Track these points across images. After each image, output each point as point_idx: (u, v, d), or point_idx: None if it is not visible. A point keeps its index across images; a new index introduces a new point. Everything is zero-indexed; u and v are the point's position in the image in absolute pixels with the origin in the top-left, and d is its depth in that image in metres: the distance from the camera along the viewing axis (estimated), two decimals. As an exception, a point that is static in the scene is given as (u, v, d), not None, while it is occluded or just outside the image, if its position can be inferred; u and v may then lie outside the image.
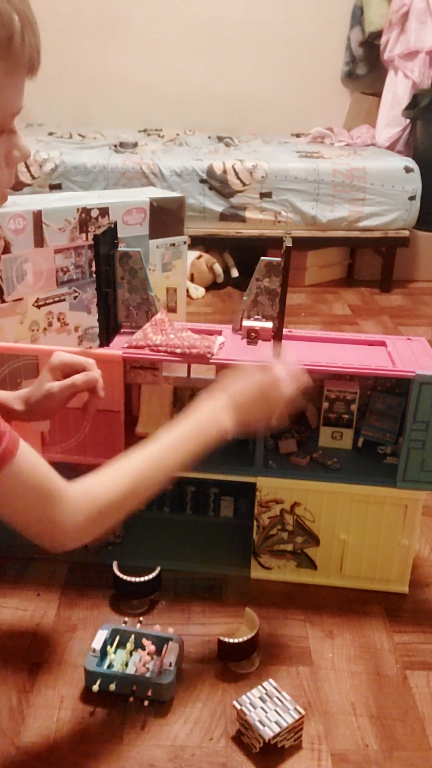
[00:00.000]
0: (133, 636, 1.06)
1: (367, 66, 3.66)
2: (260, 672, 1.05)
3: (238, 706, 0.94)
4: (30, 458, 0.76)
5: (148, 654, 1.03)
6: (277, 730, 0.90)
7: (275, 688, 0.97)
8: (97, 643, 1.02)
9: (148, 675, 1.00)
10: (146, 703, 0.98)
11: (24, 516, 0.78)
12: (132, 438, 1.21)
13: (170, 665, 1.00)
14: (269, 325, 1.19)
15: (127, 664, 1.03)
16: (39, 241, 1.75)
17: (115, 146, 3.10)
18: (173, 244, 2.05)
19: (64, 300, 1.85)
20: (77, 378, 1.00)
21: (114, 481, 0.84)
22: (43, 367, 1.03)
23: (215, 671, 1.05)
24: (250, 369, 0.98)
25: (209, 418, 0.93)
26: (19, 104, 0.69)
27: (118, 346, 1.16)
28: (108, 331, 1.20)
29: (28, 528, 0.79)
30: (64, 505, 0.78)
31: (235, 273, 3.02)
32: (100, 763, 0.90)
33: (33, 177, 2.79)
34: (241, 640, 1.03)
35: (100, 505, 0.81)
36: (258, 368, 0.97)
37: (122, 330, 1.25)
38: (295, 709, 0.94)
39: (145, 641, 1.04)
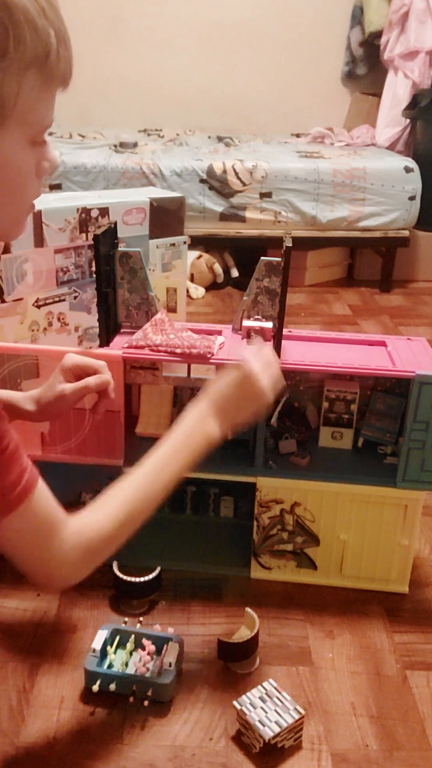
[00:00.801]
0: (133, 636, 1.06)
1: (367, 66, 3.66)
2: (260, 672, 1.05)
3: (238, 706, 0.94)
4: (44, 494, 0.76)
5: (148, 654, 1.03)
6: (277, 730, 0.90)
7: (275, 688, 0.97)
8: (97, 643, 1.02)
9: (148, 675, 1.00)
10: (146, 703, 0.98)
11: (26, 551, 0.77)
12: (132, 438, 1.21)
13: (170, 665, 1.00)
14: (269, 325, 1.19)
15: (127, 664, 1.03)
16: (39, 241, 1.75)
17: (115, 146, 3.10)
18: (173, 244, 2.05)
19: (64, 300, 1.85)
20: (90, 380, 1.02)
21: (109, 514, 0.83)
22: (43, 368, 1.04)
23: (215, 671, 1.05)
24: (225, 370, 0.98)
25: (194, 428, 0.93)
26: (51, 117, 0.69)
27: (118, 346, 1.16)
28: (108, 331, 1.20)
29: (26, 564, 0.78)
30: (63, 543, 0.77)
31: (235, 273, 3.03)
32: (100, 763, 0.90)
33: (33, 177, 2.79)
34: (241, 640, 1.03)
35: (97, 540, 0.81)
36: (232, 367, 0.97)
37: (122, 330, 1.25)
38: (295, 709, 0.94)
39: (145, 641, 1.04)
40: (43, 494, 0.76)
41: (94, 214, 1.84)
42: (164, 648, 1.03)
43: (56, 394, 1.01)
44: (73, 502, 1.22)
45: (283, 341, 1.12)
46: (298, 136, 3.62)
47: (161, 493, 0.88)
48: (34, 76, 0.63)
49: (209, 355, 1.12)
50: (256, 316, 1.22)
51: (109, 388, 1.03)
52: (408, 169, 2.87)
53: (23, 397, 1.04)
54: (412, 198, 2.87)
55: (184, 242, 2.08)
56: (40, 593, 1.18)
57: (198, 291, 2.88)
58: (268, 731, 0.90)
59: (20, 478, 0.72)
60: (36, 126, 0.67)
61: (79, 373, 1.03)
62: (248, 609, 1.09)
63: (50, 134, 3.27)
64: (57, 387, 1.01)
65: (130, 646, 1.05)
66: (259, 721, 0.91)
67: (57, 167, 0.75)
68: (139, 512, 0.86)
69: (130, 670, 1.01)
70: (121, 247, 1.21)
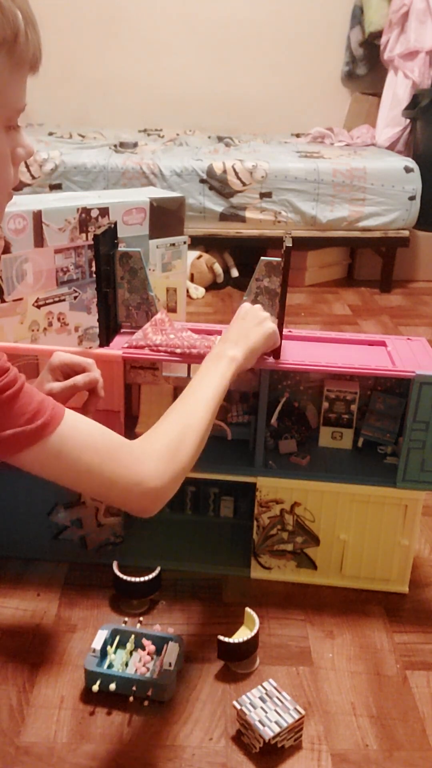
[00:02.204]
0: (133, 636, 1.06)
1: (367, 66, 3.66)
2: (260, 672, 1.05)
3: (238, 706, 0.94)
4: (78, 420, 0.79)
5: (148, 654, 1.03)
6: (277, 730, 0.90)
7: (275, 688, 0.97)
8: (97, 643, 1.02)
9: (148, 675, 1.00)
10: (146, 703, 0.98)
11: (99, 477, 0.79)
12: (132, 438, 1.21)
13: (170, 665, 1.00)
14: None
15: (127, 664, 1.03)
16: (39, 241, 1.75)
17: (115, 146, 3.10)
18: (173, 244, 2.05)
19: (64, 300, 1.85)
20: (78, 378, 1.01)
21: (163, 425, 0.89)
22: (43, 367, 1.03)
23: (215, 671, 1.05)
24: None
25: (214, 354, 1.01)
26: (23, 101, 0.70)
27: (118, 346, 1.16)
28: (108, 331, 1.20)
29: (109, 490, 0.81)
30: (133, 454, 0.82)
31: (235, 273, 3.03)
32: (100, 763, 0.90)
33: (33, 177, 2.79)
34: (241, 640, 1.03)
35: (165, 443, 0.86)
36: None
37: (122, 330, 1.25)
38: (295, 709, 0.94)
39: (145, 641, 1.04)
40: (77, 421, 0.79)
41: (94, 214, 1.84)
42: (164, 648, 1.03)
43: (44, 393, 1.00)
44: (73, 503, 1.23)
45: (283, 341, 1.12)
46: (298, 136, 3.62)
47: (204, 406, 0.92)
48: (4, 58, 0.63)
49: (209, 355, 1.12)
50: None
51: (98, 386, 1.03)
52: (408, 169, 2.87)
53: None
54: (412, 198, 2.87)
55: (184, 242, 2.08)
56: (40, 594, 1.18)
57: (198, 291, 2.88)
58: (268, 731, 0.90)
59: (42, 408, 0.74)
60: (7, 109, 0.67)
61: (67, 371, 1.03)
62: (248, 609, 1.09)
63: (50, 134, 3.30)
64: (45, 386, 1.00)
65: (130, 646, 1.05)
66: (259, 721, 0.91)
67: (32, 154, 0.74)
68: (194, 420, 0.90)
69: (130, 670, 1.01)
70: (121, 247, 1.21)
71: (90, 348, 1.66)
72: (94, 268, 1.22)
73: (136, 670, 1.01)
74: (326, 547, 1.21)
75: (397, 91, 3.30)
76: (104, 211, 1.86)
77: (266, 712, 0.93)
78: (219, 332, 1.22)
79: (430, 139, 3.10)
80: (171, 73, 3.70)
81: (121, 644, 1.06)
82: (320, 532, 1.20)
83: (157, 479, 0.83)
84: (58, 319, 1.86)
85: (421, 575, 1.26)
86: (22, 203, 1.77)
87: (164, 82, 3.70)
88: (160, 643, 1.04)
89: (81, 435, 0.78)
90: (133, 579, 1.14)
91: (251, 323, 1.05)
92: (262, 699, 0.95)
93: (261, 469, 1.17)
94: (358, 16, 3.56)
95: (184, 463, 0.86)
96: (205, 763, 0.91)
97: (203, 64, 3.69)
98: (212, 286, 2.98)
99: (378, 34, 3.42)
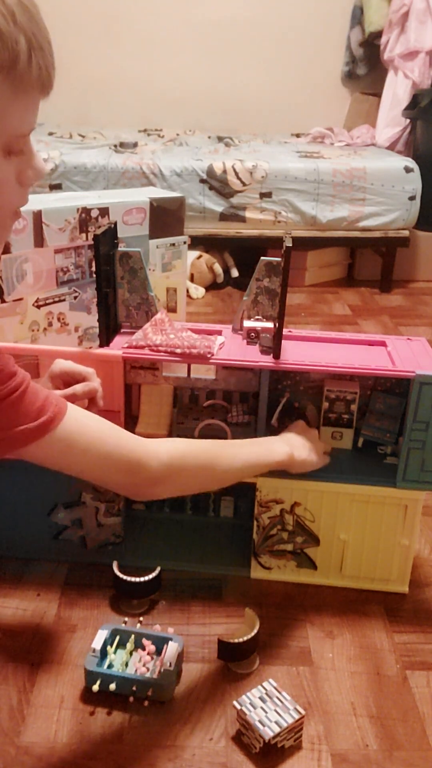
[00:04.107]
0: (133, 636, 1.06)
1: (367, 66, 3.66)
2: (260, 672, 1.05)
3: (238, 706, 0.94)
4: (80, 413, 0.84)
5: (148, 654, 1.03)
6: (277, 730, 0.90)
7: (275, 688, 0.97)
8: (97, 643, 1.02)
9: (148, 675, 1.00)
10: (146, 703, 0.98)
11: (103, 463, 0.85)
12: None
13: (170, 665, 1.00)
14: (269, 325, 1.19)
15: (127, 664, 1.03)
16: (39, 241, 1.75)
17: (115, 146, 3.10)
18: (173, 244, 2.05)
19: (64, 300, 1.85)
20: (77, 388, 1.03)
21: (195, 444, 0.98)
22: (44, 368, 1.04)
23: (215, 671, 1.05)
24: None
25: (262, 440, 1.11)
26: (28, 125, 0.67)
27: (118, 346, 1.16)
28: (108, 331, 1.20)
29: (111, 477, 0.88)
30: (139, 440, 0.88)
31: (235, 273, 3.03)
32: (100, 763, 0.90)
33: (33, 177, 2.79)
34: (241, 640, 1.03)
35: (184, 451, 0.94)
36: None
37: (122, 330, 1.25)
38: (295, 709, 0.94)
39: (145, 641, 1.04)
40: (81, 415, 0.85)
41: (94, 214, 1.84)
42: (164, 648, 1.03)
43: None
44: (73, 503, 1.23)
45: (283, 341, 1.12)
46: (298, 136, 3.62)
47: (231, 463, 1.01)
48: (1, 83, 0.61)
49: (209, 355, 1.12)
50: (256, 316, 1.22)
51: (98, 396, 1.04)
52: (408, 169, 2.88)
53: None
54: (412, 198, 2.87)
55: (184, 242, 2.08)
56: (40, 594, 1.18)
57: (198, 291, 2.88)
58: (268, 731, 0.90)
59: (46, 405, 0.79)
60: (7, 134, 0.65)
61: (67, 379, 1.04)
62: (248, 609, 1.09)
63: (50, 134, 3.30)
64: None
65: (130, 646, 1.05)
66: (259, 721, 0.91)
67: (43, 176, 0.73)
68: (218, 462, 0.99)
69: (130, 670, 1.01)
70: (121, 247, 1.21)
71: (90, 348, 1.66)
72: (94, 268, 1.22)
73: (136, 670, 1.01)
74: (326, 547, 1.21)
75: (397, 91, 3.30)
76: (104, 211, 1.86)
77: (266, 712, 0.93)
78: (219, 332, 1.22)
79: (430, 139, 3.10)
80: (171, 73, 3.70)
81: (121, 644, 1.06)
82: (320, 532, 1.20)
83: (155, 481, 0.90)
84: (58, 319, 1.86)
85: (421, 575, 1.26)
86: (22, 203, 1.77)
87: (164, 82, 3.70)
88: (160, 643, 1.04)
89: (84, 427, 0.83)
90: (133, 579, 1.14)
91: (309, 440, 1.14)
92: (262, 699, 0.95)
93: (261, 469, 1.17)
94: (358, 16, 3.56)
95: (183, 484, 0.94)
96: (206, 763, 0.91)
97: (203, 64, 3.69)
98: (212, 286, 2.98)
99: (378, 34, 3.42)
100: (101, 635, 1.04)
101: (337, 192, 2.85)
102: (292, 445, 1.09)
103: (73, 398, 1.01)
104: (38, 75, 0.64)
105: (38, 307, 1.80)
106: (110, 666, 1.02)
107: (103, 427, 0.86)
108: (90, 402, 1.04)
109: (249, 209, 2.86)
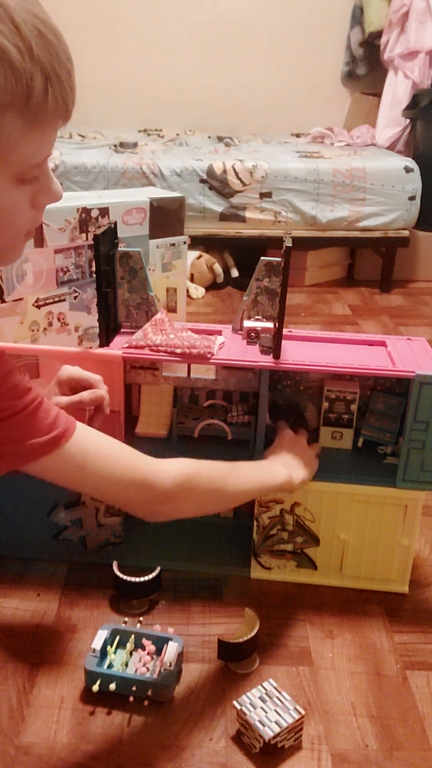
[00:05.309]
0: (133, 636, 1.06)
1: (367, 66, 3.66)
2: (260, 672, 1.05)
3: (238, 706, 0.94)
4: (89, 432, 0.85)
5: (148, 654, 1.03)
6: (277, 730, 0.90)
7: (275, 688, 0.97)
8: (97, 643, 1.02)
9: (148, 675, 1.00)
10: (146, 703, 0.98)
11: (110, 481, 0.86)
12: (132, 438, 1.21)
13: (170, 665, 1.00)
14: (269, 325, 1.19)
15: (127, 664, 1.03)
16: (39, 241, 1.75)
17: (115, 146, 3.10)
18: (173, 244, 2.05)
19: (64, 300, 1.85)
20: (84, 395, 1.02)
21: (210, 466, 0.98)
22: (44, 368, 1.04)
23: (215, 671, 1.05)
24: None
25: (261, 464, 1.11)
26: (43, 154, 0.67)
27: (118, 346, 1.16)
28: (108, 331, 1.20)
29: (123, 494, 0.88)
30: (146, 459, 0.89)
31: (235, 273, 3.03)
32: (100, 763, 0.90)
33: (33, 177, 2.79)
34: (241, 640, 1.03)
35: (195, 471, 0.94)
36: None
37: (122, 330, 1.25)
38: (295, 709, 0.94)
39: (145, 641, 1.04)
40: (90, 432, 0.85)
41: (94, 214, 1.84)
42: (164, 648, 1.03)
43: None
44: (73, 503, 1.23)
45: (283, 341, 1.12)
46: (298, 136, 3.62)
47: (242, 493, 1.04)
48: (14, 117, 0.60)
49: (209, 355, 1.12)
50: (257, 316, 1.22)
51: (104, 404, 1.04)
52: (408, 169, 2.87)
53: None
54: (412, 198, 2.87)
55: (184, 242, 2.08)
56: (40, 594, 1.18)
57: (198, 291, 2.88)
58: (268, 731, 0.90)
59: (57, 421, 0.80)
60: (20, 165, 0.65)
61: (74, 386, 1.04)
62: (248, 609, 1.09)
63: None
64: (53, 399, 1.01)
65: (130, 646, 1.05)
66: (259, 721, 0.91)
67: (59, 199, 0.74)
68: (229, 485, 1.00)
69: (130, 670, 1.01)
70: (121, 247, 1.21)
71: (90, 348, 1.66)
72: (94, 268, 1.22)
73: (136, 670, 1.01)
74: (326, 547, 1.21)
75: (397, 91, 3.30)
76: (104, 211, 1.86)
77: (266, 712, 0.93)
78: (219, 332, 1.22)
79: (430, 139, 3.10)
80: (171, 73, 3.70)
81: (121, 644, 1.06)
82: (320, 532, 1.20)
83: (165, 500, 0.91)
84: (58, 319, 1.86)
85: (421, 575, 1.26)
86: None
87: (164, 82, 3.70)
88: (160, 643, 1.04)
89: (95, 445, 0.85)
90: (133, 579, 1.14)
91: (299, 453, 1.14)
92: (262, 699, 0.95)
93: (261, 469, 1.17)
94: (358, 16, 3.56)
95: (195, 503, 0.96)
96: (205, 763, 0.91)
97: (203, 64, 3.69)
98: (212, 286, 2.98)
99: (378, 34, 3.42)
100: (101, 635, 1.04)
101: (337, 192, 2.85)
102: (289, 467, 1.10)
103: (79, 405, 1.01)
104: (54, 108, 0.63)
105: (38, 307, 1.80)
106: (110, 666, 1.02)
107: (114, 445, 0.87)
108: (96, 409, 1.04)
109: (249, 209, 2.86)
